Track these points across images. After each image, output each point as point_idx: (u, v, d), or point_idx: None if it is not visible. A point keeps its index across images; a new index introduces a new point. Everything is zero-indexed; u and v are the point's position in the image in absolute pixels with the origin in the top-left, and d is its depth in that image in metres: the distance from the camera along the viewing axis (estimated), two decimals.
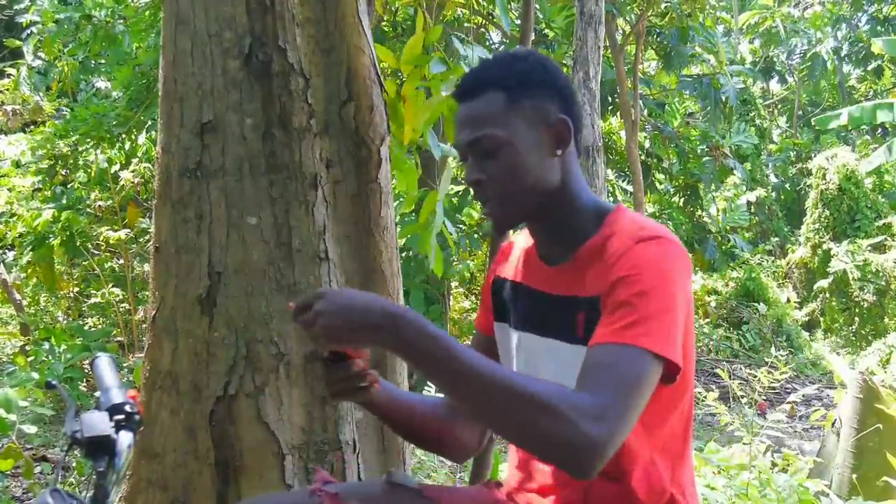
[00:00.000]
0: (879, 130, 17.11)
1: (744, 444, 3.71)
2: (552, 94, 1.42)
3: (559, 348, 1.42)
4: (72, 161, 7.01)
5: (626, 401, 1.18)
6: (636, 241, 1.31)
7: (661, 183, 12.63)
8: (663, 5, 8.92)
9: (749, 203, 14.30)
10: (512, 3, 8.53)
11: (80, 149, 6.83)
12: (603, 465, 1.16)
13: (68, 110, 8.04)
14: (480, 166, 1.41)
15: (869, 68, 17.73)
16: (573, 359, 1.38)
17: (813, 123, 14.26)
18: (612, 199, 11.99)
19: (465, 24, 8.30)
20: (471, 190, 1.42)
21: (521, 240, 1.62)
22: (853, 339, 11.68)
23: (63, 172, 7.22)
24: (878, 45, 13.68)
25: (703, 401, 4.04)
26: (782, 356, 9.72)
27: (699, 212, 12.48)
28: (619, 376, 1.20)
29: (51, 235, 6.64)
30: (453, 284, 9.36)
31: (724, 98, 10.42)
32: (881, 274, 11.53)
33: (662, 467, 1.40)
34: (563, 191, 1.43)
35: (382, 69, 2.59)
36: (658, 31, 9.60)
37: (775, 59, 18.53)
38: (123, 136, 6.66)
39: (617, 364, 1.21)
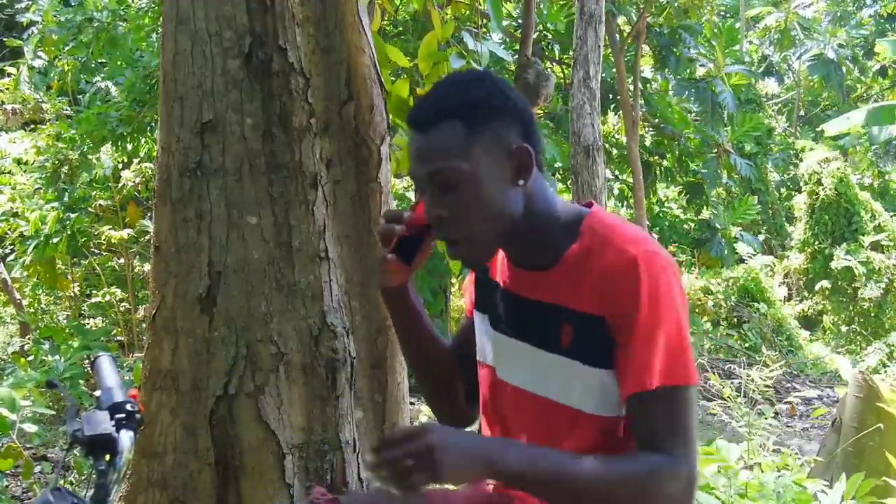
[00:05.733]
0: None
1: (749, 440, 3.72)
2: (511, 121, 1.36)
3: (538, 356, 1.41)
4: (77, 164, 7.01)
5: (690, 439, 1.29)
6: (632, 262, 1.30)
7: (659, 188, 12.58)
8: (663, 0, 8.89)
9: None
10: (512, 3, 8.54)
11: (86, 151, 6.83)
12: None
13: (71, 111, 8.03)
14: (441, 201, 1.35)
15: (873, 68, 17.66)
16: (553, 369, 1.39)
17: (817, 127, 14.06)
18: (611, 199, 11.98)
19: (467, 24, 8.29)
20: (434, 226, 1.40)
21: None
22: (853, 338, 11.69)
23: (65, 171, 7.22)
24: (882, 46, 13.09)
25: (702, 400, 4.04)
26: (783, 355, 9.72)
27: (705, 209, 12.43)
28: (677, 421, 1.29)
29: (55, 236, 6.64)
30: (453, 284, 9.34)
31: (721, 102, 10.34)
32: (883, 271, 11.56)
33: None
34: (529, 216, 1.38)
35: (393, 68, 2.56)
36: (658, 30, 9.57)
37: (773, 60, 18.49)
38: (127, 136, 6.66)
39: (672, 409, 1.29)
